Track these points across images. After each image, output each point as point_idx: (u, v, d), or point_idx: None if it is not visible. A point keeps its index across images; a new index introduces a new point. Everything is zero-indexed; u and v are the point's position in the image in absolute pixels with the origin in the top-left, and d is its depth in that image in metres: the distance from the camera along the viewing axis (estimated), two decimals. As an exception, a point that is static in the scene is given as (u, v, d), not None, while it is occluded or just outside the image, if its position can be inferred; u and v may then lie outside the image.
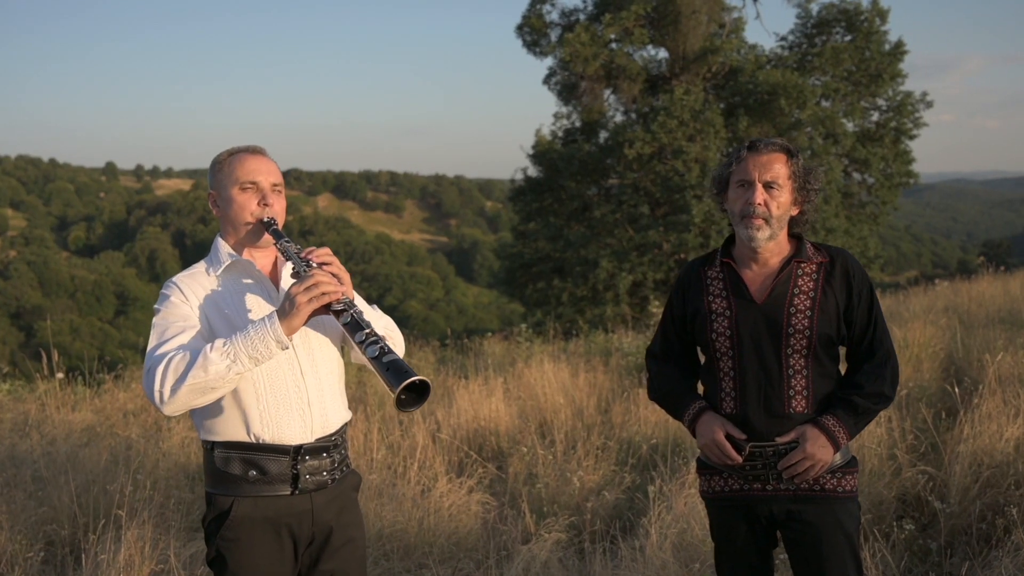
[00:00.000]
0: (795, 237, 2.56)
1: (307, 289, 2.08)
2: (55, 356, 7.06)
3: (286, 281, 2.36)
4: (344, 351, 2.42)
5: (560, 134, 22.35)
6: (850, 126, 20.64)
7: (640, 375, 7.06)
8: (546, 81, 22.40)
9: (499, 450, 5.40)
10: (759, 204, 2.43)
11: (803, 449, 2.39)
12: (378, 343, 2.03)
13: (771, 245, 2.48)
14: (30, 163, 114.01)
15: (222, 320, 2.22)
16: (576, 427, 5.42)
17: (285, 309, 2.09)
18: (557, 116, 22.42)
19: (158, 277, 77.49)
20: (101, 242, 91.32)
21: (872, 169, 20.09)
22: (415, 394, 1.99)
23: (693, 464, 4.45)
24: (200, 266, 2.32)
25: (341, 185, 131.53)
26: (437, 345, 10.57)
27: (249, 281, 2.31)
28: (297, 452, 2.22)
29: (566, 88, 21.86)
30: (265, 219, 2.28)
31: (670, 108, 19.03)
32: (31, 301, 63.37)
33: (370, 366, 2.06)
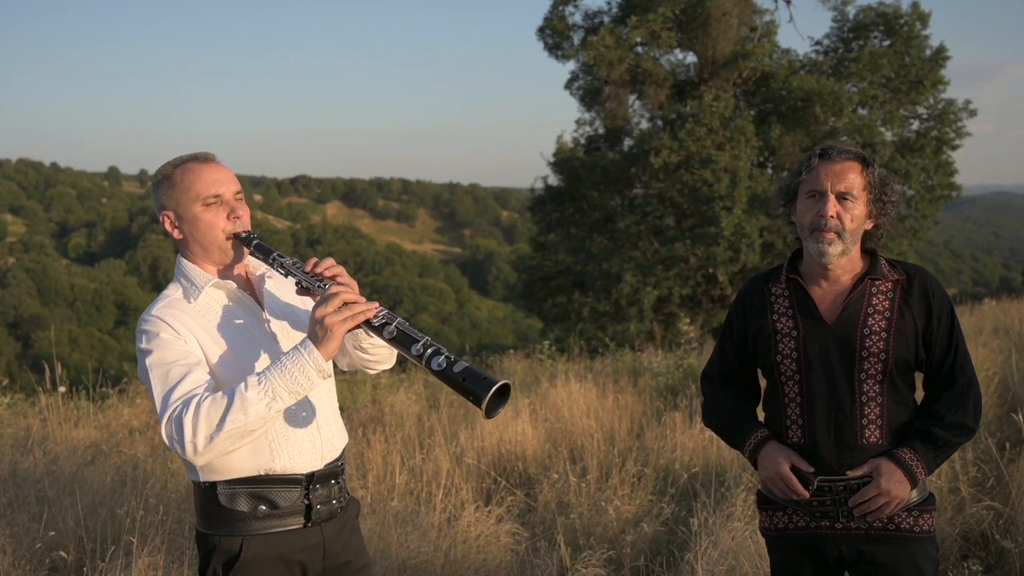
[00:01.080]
0: (868, 253, 2.48)
1: (338, 310, 2.00)
2: (58, 369, 7.05)
3: (276, 296, 2.30)
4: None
5: (582, 141, 22.34)
6: (888, 135, 20.49)
7: (675, 398, 6.97)
8: (568, 86, 22.41)
9: (527, 476, 5.32)
10: (831, 216, 2.34)
11: (877, 484, 2.30)
12: (441, 352, 1.94)
13: (843, 261, 2.39)
14: (31, 167, 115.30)
15: (219, 353, 2.13)
16: (609, 453, 5.32)
17: (317, 334, 2.00)
18: (579, 122, 22.43)
19: (160, 287, 77.69)
20: (102, 249, 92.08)
21: (912, 181, 19.92)
22: (498, 397, 1.92)
23: (738, 494, 4.35)
24: (174, 293, 2.20)
25: (351, 193, 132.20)
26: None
27: (232, 305, 2.22)
28: (309, 481, 2.18)
29: (589, 93, 21.85)
30: (242, 234, 2.20)
31: (699, 115, 18.99)
32: (29, 310, 63.91)
33: (435, 378, 1.98)
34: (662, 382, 7.94)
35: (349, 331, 2.03)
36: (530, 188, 23.34)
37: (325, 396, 2.28)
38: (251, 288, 2.31)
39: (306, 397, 2.20)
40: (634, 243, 20.37)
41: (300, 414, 2.19)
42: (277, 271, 2.18)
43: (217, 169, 2.20)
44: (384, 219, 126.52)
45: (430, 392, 7.91)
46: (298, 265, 2.15)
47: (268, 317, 2.24)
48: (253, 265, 2.32)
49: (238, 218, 2.20)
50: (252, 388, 1.96)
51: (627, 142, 21.69)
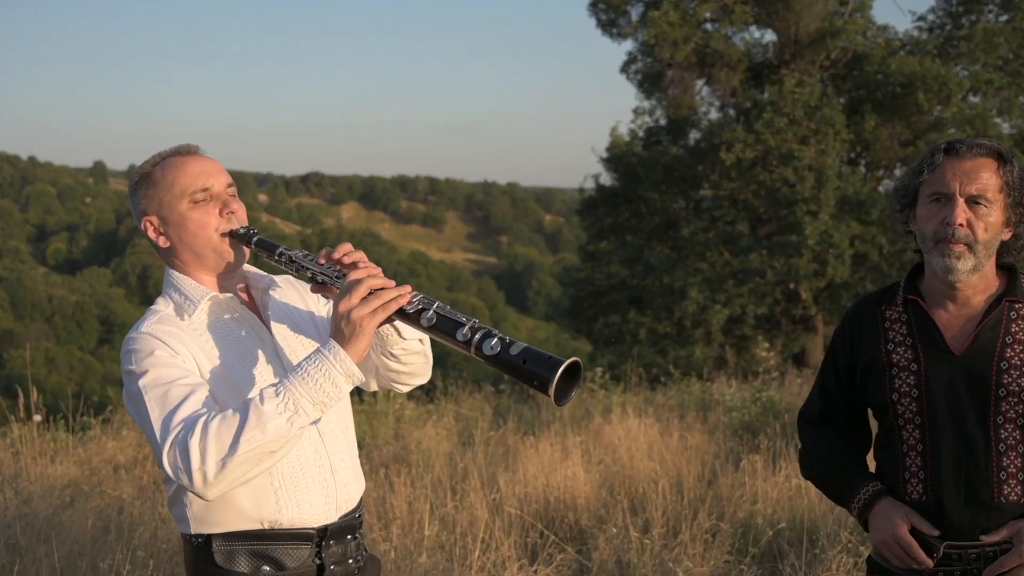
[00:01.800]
0: (1005, 269, 2.38)
1: (364, 300, 1.95)
2: (33, 394, 7.11)
3: (284, 311, 2.28)
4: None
5: (641, 134, 22.30)
6: (1006, 127, 20.19)
7: (753, 438, 6.90)
8: (624, 69, 22.41)
9: (579, 529, 5.29)
10: (960, 225, 2.25)
11: (1019, 552, 2.22)
12: (493, 333, 1.89)
13: (974, 279, 2.31)
14: (7, 161, 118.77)
15: (221, 378, 2.11)
16: (676, 503, 5.26)
17: (343, 332, 1.95)
18: (638, 112, 22.39)
19: (151, 300, 78.60)
20: (85, 256, 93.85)
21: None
22: (567, 380, 1.87)
23: (834, 557, 4.24)
24: (165, 309, 2.20)
25: (370, 193, 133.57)
26: (491, 390, 10.48)
27: (233, 322, 2.21)
28: (321, 536, 2.15)
29: (649, 78, 21.83)
30: (239, 230, 2.18)
31: (778, 103, 18.88)
32: (1, 325, 65.17)
33: (490, 365, 1.91)
34: (736, 418, 7.89)
35: (381, 325, 2.00)
36: (579, 188, 23.33)
37: (340, 433, 2.25)
38: (254, 306, 2.29)
39: (318, 436, 2.18)
40: (701, 253, 20.26)
41: (310, 456, 2.16)
42: (284, 268, 2.17)
43: (203, 160, 2.20)
44: (408, 223, 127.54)
45: (463, 426, 7.90)
46: (309, 257, 2.12)
47: (276, 337, 2.23)
48: (254, 280, 2.32)
49: (232, 213, 2.18)
50: (269, 400, 1.92)
51: (693, 135, 21.59)
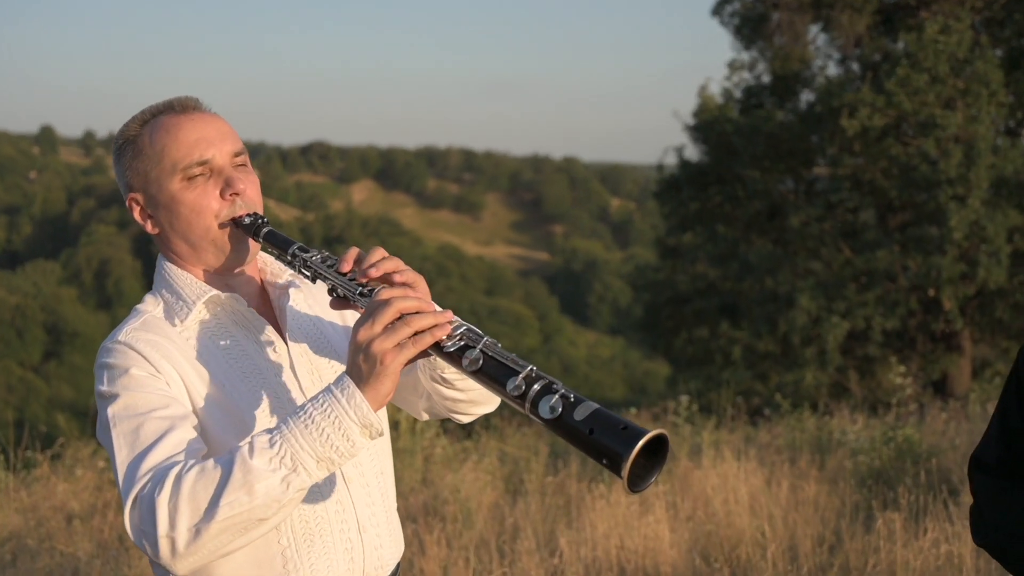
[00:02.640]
0: None
1: (391, 329, 1.90)
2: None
3: (307, 317, 2.28)
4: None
5: (738, 95, 22.24)
6: None
7: (888, 490, 6.87)
8: (718, 11, 22.40)
9: (663, 605, 5.22)
10: None
11: None
12: (554, 389, 1.84)
13: None
14: None
15: (216, 403, 2.10)
16: (791, 574, 5.17)
17: (361, 369, 1.91)
18: (734, 67, 22.34)
19: (110, 302, 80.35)
20: (28, 246, 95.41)
21: None
22: (647, 459, 1.81)
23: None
24: (152, 310, 2.20)
25: (389, 168, 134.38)
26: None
27: (237, 330, 2.21)
28: None
29: (749, 23, 21.80)
30: (245, 218, 2.17)
31: (916, 55, 18.73)
32: (-84, 333, 66.19)
33: (547, 429, 1.88)
34: (864, 464, 7.77)
35: (411, 361, 1.95)
36: (656, 165, 23.32)
37: (374, 479, 2.24)
38: (268, 306, 2.29)
39: (343, 485, 2.18)
40: (814, 249, 20.16)
41: (331, 511, 2.16)
42: (300, 273, 2.15)
43: (202, 122, 2.19)
44: (436, 207, 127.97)
45: (510, 470, 7.87)
46: (330, 263, 2.10)
47: (292, 351, 2.22)
48: (273, 269, 2.31)
49: (237, 194, 2.17)
50: (260, 453, 1.88)
51: (805, 96, 21.48)
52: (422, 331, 1.91)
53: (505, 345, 1.94)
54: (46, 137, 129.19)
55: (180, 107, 2.20)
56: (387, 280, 2.03)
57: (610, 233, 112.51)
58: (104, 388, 2.06)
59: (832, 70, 21.93)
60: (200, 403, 2.09)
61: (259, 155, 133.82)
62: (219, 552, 1.91)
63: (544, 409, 1.82)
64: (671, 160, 22.52)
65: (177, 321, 2.16)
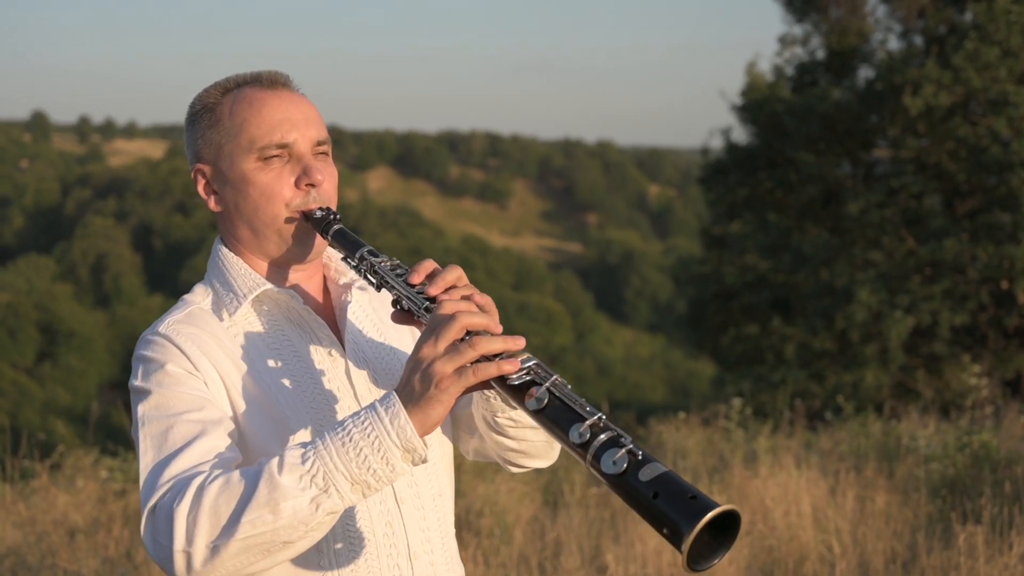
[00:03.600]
0: None
1: (454, 350, 1.87)
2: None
3: (368, 323, 2.28)
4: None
5: (790, 72, 22.18)
6: None
7: (966, 500, 6.81)
8: (766, -20, 22.29)
9: (721, 626, 5.18)
10: None
11: None
12: (621, 442, 1.80)
13: None
14: None
15: (260, 410, 2.11)
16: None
17: (414, 388, 1.89)
18: (786, 41, 22.29)
19: (108, 300, 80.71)
20: (20, 240, 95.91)
21: None
22: (713, 535, 1.76)
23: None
24: (200, 302, 2.20)
25: (408, 155, 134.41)
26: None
27: (290, 330, 2.20)
28: None
29: (802, -7, 21.72)
30: (316, 212, 2.16)
31: (986, 28, 18.66)
32: (-93, 334, 66.72)
33: (607, 485, 1.84)
34: (938, 472, 7.72)
35: (470, 390, 1.93)
36: (700, 148, 23.29)
37: (430, 501, 2.24)
38: (328, 306, 2.29)
39: (394, 504, 2.17)
40: (874, 239, 20.09)
41: (379, 531, 2.15)
42: (365, 278, 2.13)
43: (290, 101, 2.19)
44: (460, 196, 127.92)
45: (548, 480, 7.84)
46: (400, 272, 2.09)
47: (349, 356, 2.22)
48: (337, 266, 2.31)
49: (313, 185, 2.17)
50: (290, 469, 1.86)
51: (864, 73, 21.39)
52: (486, 357, 1.88)
53: (535, 344, 1.90)
54: (38, 123, 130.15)
55: (269, 81, 2.21)
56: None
57: (648, 222, 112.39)
58: (138, 383, 2.07)
59: (893, 44, 21.87)
60: (241, 406, 2.09)
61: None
62: (238, 573, 1.89)
63: (607, 463, 1.79)
64: (716, 143, 22.55)
65: (225, 315, 2.18)
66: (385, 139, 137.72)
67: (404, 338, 2.32)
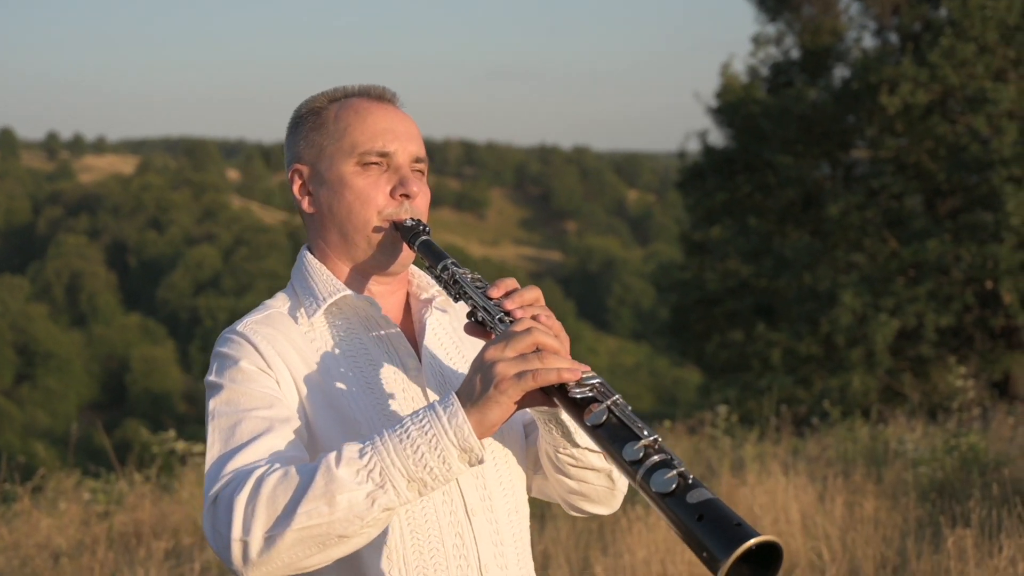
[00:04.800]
0: None
1: (521, 357, 1.91)
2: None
3: (445, 338, 2.31)
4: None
5: (765, 72, 22.21)
6: None
7: (955, 504, 6.84)
8: (738, -19, 22.36)
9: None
10: None
11: None
12: (674, 465, 1.83)
13: None
14: None
15: (330, 414, 2.14)
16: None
17: (474, 387, 1.94)
18: (759, 41, 22.35)
19: (84, 319, 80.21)
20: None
21: None
22: (754, 569, 1.78)
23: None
24: (280, 304, 2.27)
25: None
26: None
27: (367, 337, 2.24)
28: None
29: (775, -9, 21.80)
30: (407, 221, 2.21)
31: (961, 23, 18.71)
32: None
33: (652, 504, 1.86)
34: (926, 475, 7.76)
35: (527, 403, 1.96)
36: (678, 152, 23.31)
37: (505, 516, 2.24)
38: (408, 320, 2.32)
39: (464, 517, 2.18)
40: (856, 241, 20.13)
41: (449, 544, 2.16)
42: (446, 287, 2.17)
43: (394, 114, 2.27)
44: (435, 206, 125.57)
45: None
46: (480, 286, 2.12)
47: (425, 368, 2.24)
48: (420, 283, 2.35)
49: (408, 197, 2.22)
50: (348, 463, 1.90)
51: (840, 72, 21.45)
52: (549, 367, 1.91)
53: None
54: (6, 140, 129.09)
55: (376, 94, 2.30)
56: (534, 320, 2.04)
57: (628, 229, 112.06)
58: (212, 378, 2.14)
59: (868, 42, 21.92)
60: (313, 408, 2.14)
61: (238, 154, 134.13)
62: (294, 566, 1.93)
63: (657, 482, 1.82)
64: (694, 146, 22.56)
65: (303, 319, 2.22)
66: None
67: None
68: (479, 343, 2.22)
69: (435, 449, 1.89)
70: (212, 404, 2.09)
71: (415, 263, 2.32)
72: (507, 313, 2.04)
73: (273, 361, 2.13)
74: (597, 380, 1.96)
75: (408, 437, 1.90)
